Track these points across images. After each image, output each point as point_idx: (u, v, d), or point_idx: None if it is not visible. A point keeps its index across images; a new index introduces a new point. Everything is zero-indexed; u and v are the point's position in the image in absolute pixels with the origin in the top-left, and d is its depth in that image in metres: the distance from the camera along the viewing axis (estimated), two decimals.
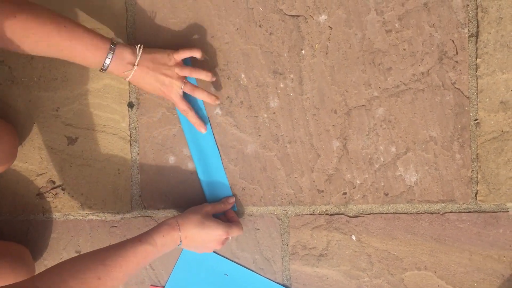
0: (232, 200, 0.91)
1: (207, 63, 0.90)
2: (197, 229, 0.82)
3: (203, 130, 0.89)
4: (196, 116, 0.88)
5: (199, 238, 0.82)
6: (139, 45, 0.83)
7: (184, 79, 0.86)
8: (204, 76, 0.86)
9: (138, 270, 0.76)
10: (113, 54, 0.79)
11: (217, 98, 0.87)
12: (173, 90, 0.85)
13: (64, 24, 0.76)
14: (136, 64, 0.81)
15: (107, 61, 0.79)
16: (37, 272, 0.94)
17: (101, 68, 0.80)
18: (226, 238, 0.86)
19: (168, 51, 0.85)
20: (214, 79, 0.87)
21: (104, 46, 0.79)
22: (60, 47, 0.76)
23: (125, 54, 0.81)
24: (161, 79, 0.83)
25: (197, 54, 0.86)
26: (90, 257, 0.71)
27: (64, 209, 0.94)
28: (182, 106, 0.86)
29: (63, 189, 0.93)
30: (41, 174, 0.93)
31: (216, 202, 0.90)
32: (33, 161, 0.93)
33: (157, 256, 0.79)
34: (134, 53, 0.82)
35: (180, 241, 0.81)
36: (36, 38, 0.74)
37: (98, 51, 0.78)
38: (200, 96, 0.87)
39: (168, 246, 0.80)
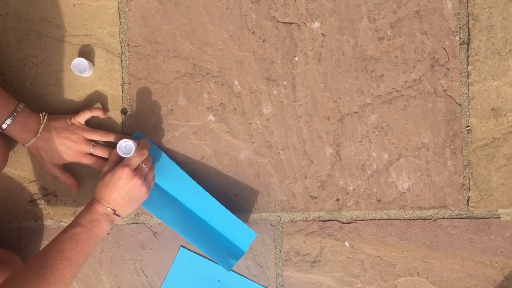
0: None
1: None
2: (106, 186, 0.78)
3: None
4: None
5: (116, 190, 0.78)
6: (43, 113, 0.84)
7: (93, 142, 0.87)
8: (114, 138, 0.88)
9: (80, 257, 0.74)
10: (14, 118, 0.81)
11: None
12: (80, 153, 0.86)
13: None
14: (39, 131, 0.82)
15: (8, 121, 0.80)
16: None
17: None
18: (136, 169, 0.80)
19: (69, 116, 0.86)
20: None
21: (7, 108, 0.80)
22: None
23: (29, 121, 0.82)
24: (65, 143, 0.84)
25: (98, 113, 0.88)
26: (30, 268, 0.70)
27: (56, 216, 0.93)
28: (96, 163, 0.87)
29: (55, 196, 0.93)
30: (33, 181, 0.93)
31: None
32: (25, 167, 0.92)
33: (95, 237, 0.76)
34: (38, 121, 0.83)
35: (111, 208, 0.78)
36: None
37: None
38: (113, 157, 0.86)
39: (99, 221, 0.77)
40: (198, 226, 0.90)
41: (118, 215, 0.80)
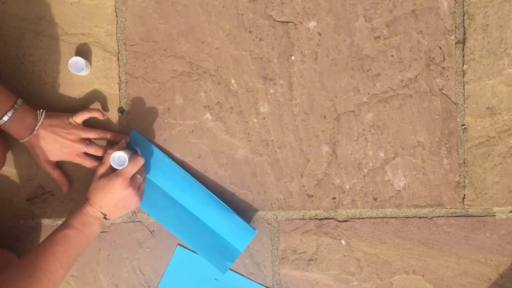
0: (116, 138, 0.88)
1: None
2: (99, 190, 0.80)
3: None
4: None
5: (108, 196, 0.80)
6: (41, 110, 0.84)
7: (87, 141, 0.87)
8: (111, 136, 0.89)
9: (71, 258, 0.77)
10: (12, 114, 0.81)
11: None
12: (74, 152, 0.86)
13: None
14: (36, 128, 0.83)
15: (5, 118, 0.80)
16: None
17: None
18: (131, 179, 0.81)
19: (67, 115, 0.86)
20: (126, 140, 0.89)
21: (6, 103, 0.80)
22: None
23: (27, 117, 0.82)
24: (61, 142, 0.85)
25: (97, 114, 0.88)
26: (23, 269, 0.72)
27: (53, 214, 0.93)
28: (89, 163, 0.88)
29: (52, 195, 0.93)
30: (31, 179, 0.93)
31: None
32: (22, 166, 0.93)
33: (86, 239, 0.78)
34: (35, 117, 0.83)
35: (101, 213, 0.79)
36: None
37: None
38: (108, 158, 0.87)
39: (91, 223, 0.79)
40: (195, 225, 0.90)
41: (108, 219, 0.82)
